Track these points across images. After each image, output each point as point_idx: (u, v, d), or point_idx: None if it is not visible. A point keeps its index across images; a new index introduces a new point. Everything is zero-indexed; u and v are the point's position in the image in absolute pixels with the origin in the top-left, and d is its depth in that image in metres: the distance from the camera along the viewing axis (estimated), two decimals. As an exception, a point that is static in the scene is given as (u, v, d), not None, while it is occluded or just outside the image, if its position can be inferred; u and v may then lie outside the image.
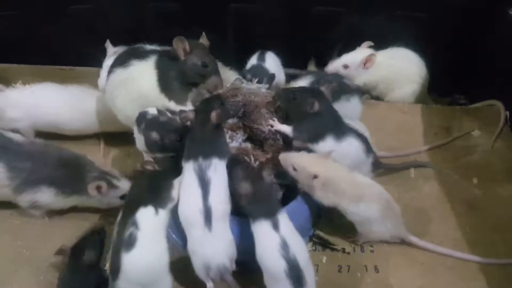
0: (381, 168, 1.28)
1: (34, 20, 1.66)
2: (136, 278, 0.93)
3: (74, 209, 1.26)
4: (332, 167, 1.09)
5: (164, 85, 1.23)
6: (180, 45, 1.20)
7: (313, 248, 1.19)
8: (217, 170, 1.00)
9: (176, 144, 1.14)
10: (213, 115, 1.02)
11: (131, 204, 1.00)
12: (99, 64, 1.53)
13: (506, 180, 1.34)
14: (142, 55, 1.26)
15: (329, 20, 1.64)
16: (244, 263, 1.02)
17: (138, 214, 0.96)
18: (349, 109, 1.33)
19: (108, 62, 1.49)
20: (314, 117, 1.15)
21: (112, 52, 1.54)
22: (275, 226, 0.95)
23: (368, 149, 1.22)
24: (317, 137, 1.16)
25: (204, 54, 1.23)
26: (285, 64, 1.58)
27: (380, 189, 1.12)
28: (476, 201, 1.29)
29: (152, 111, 1.20)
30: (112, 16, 1.69)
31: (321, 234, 1.20)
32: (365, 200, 1.08)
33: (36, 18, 1.66)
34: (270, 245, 0.94)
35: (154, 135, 1.15)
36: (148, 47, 1.30)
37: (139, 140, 1.24)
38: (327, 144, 1.15)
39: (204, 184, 0.98)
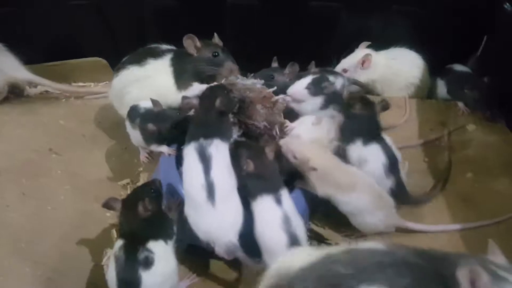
0: (404, 202, 1.23)
1: (33, 16, 1.65)
2: None
3: (73, 204, 1.28)
4: (330, 158, 1.12)
5: (180, 81, 1.27)
6: (191, 43, 1.26)
7: (308, 242, 1.19)
8: (219, 148, 1.02)
9: (172, 132, 1.17)
10: (218, 101, 1.05)
11: (136, 238, 0.98)
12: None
13: (501, 174, 1.34)
14: (158, 54, 1.30)
15: (326, 16, 1.64)
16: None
17: (150, 245, 0.96)
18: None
19: None
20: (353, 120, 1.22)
21: None
22: (278, 201, 0.98)
23: (390, 169, 1.20)
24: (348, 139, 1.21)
25: (214, 47, 1.28)
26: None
27: (371, 181, 1.14)
28: (471, 195, 1.29)
29: (144, 104, 1.22)
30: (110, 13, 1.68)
31: (316, 228, 1.21)
32: (357, 190, 1.10)
33: (35, 14, 1.65)
34: (273, 219, 0.96)
35: (151, 126, 1.17)
36: (164, 46, 1.34)
37: (134, 135, 1.26)
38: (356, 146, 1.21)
39: (205, 160, 0.99)
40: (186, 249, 1.11)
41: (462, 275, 0.72)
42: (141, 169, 1.37)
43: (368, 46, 1.60)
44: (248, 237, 0.99)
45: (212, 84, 1.18)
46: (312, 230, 1.21)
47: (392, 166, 1.21)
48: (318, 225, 1.22)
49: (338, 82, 1.48)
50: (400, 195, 1.21)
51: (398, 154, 1.24)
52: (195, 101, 1.08)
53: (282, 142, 1.13)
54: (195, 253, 1.11)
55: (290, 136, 1.20)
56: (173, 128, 1.17)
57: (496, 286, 0.72)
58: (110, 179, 1.37)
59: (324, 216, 1.23)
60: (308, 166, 1.08)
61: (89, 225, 1.23)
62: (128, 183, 1.36)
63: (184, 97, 1.09)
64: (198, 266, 1.12)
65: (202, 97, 1.09)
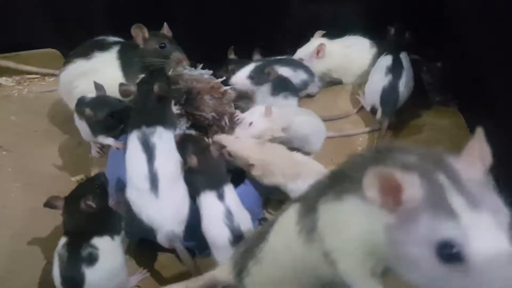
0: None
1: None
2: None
3: (24, 201, 1.25)
4: (268, 151, 1.12)
5: (129, 74, 1.25)
6: (140, 33, 1.24)
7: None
8: (163, 138, 1.01)
9: (110, 121, 1.16)
10: (156, 86, 1.03)
11: (80, 235, 0.96)
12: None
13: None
14: (104, 47, 1.28)
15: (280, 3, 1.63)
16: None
17: (94, 241, 0.94)
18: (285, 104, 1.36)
19: None
20: None
21: None
22: (220, 197, 0.98)
23: (391, 70, 1.42)
24: None
25: (161, 37, 1.26)
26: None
27: (316, 165, 1.15)
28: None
29: (91, 96, 1.20)
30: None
31: (270, 217, 1.21)
32: (302, 177, 1.10)
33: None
34: (215, 214, 0.97)
35: (88, 111, 1.16)
36: (111, 38, 1.32)
37: (81, 127, 1.24)
38: None
39: (148, 150, 0.98)
40: (137, 244, 1.11)
41: (367, 182, 0.49)
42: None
43: (324, 35, 1.60)
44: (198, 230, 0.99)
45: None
46: (266, 219, 1.21)
47: (394, 69, 1.41)
48: (272, 213, 1.22)
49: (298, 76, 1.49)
50: (388, 97, 1.39)
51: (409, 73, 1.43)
52: (133, 88, 1.07)
53: (214, 139, 1.12)
54: (146, 247, 1.10)
55: (241, 126, 1.20)
56: (109, 116, 1.16)
57: (428, 214, 0.46)
58: (63, 175, 1.34)
59: (278, 204, 1.23)
60: (245, 162, 1.08)
61: (41, 222, 1.20)
62: (82, 179, 1.33)
63: (121, 84, 1.07)
64: (150, 260, 1.12)
65: (140, 83, 1.08)
